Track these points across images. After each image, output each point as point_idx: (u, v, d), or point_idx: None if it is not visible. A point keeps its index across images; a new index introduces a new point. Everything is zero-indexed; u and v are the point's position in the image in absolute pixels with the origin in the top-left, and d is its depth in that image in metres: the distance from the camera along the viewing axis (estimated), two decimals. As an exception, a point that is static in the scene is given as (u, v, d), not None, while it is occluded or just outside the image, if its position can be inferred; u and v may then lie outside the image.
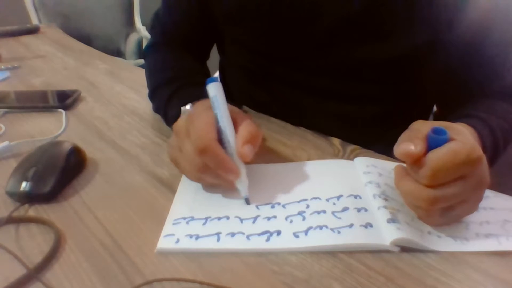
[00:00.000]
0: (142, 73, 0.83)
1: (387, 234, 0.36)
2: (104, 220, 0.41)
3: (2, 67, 0.90)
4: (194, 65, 0.67)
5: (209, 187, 0.45)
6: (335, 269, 0.34)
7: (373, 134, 0.61)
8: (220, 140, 0.41)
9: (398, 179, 0.37)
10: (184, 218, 0.40)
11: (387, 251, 0.36)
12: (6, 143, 0.54)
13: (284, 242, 0.37)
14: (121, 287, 0.33)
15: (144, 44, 2.20)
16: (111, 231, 0.39)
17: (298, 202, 0.42)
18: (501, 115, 0.50)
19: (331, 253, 0.36)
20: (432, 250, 0.36)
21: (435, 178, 0.33)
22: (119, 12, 2.21)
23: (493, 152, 0.48)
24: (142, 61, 2.14)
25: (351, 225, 0.38)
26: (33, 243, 0.38)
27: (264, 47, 0.63)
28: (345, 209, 0.40)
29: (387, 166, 0.47)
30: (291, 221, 0.39)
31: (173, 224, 0.40)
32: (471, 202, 0.36)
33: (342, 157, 0.52)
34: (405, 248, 0.36)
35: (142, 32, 2.20)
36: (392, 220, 0.37)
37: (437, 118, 0.69)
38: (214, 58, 0.78)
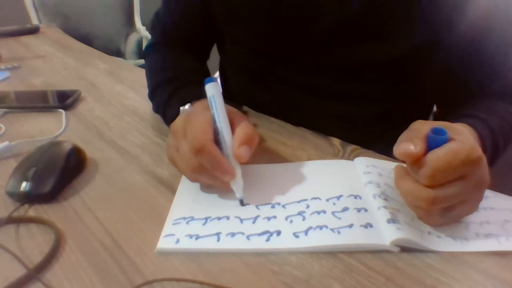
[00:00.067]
0: (142, 73, 0.83)
1: (387, 234, 0.36)
2: (104, 220, 0.41)
3: (2, 67, 0.90)
4: (194, 65, 0.67)
5: (208, 187, 0.45)
6: (335, 269, 0.34)
7: (373, 134, 0.61)
8: (217, 141, 0.41)
9: (398, 179, 0.37)
10: (184, 218, 0.40)
11: (387, 251, 0.36)
12: (6, 143, 0.54)
13: (284, 242, 0.37)
14: (121, 287, 0.33)
15: (144, 44, 2.20)
16: (111, 231, 0.39)
17: (298, 202, 0.42)
18: (501, 115, 0.50)
19: (331, 253, 0.36)
20: (432, 250, 0.36)
21: (435, 178, 0.33)
22: (119, 12, 2.21)
23: (493, 152, 0.48)
24: (142, 61, 2.14)
25: (351, 225, 0.38)
26: (33, 243, 0.38)
27: (264, 47, 0.63)
28: (345, 209, 0.40)
29: (387, 166, 0.47)
30: (291, 221, 0.39)
31: (173, 224, 0.40)
32: (471, 202, 0.36)
33: (342, 157, 0.52)
34: (405, 248, 0.36)
35: (142, 32, 2.20)
36: (392, 220, 0.37)
37: (437, 118, 0.69)
38: (214, 58, 0.78)
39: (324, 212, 0.40)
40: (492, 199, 0.42)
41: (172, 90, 0.57)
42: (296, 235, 0.37)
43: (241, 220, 0.40)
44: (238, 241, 0.37)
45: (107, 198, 0.45)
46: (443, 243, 0.36)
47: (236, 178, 0.41)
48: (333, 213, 0.40)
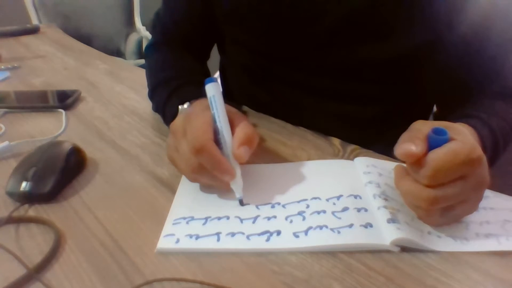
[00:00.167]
0: (142, 73, 0.83)
1: (387, 234, 0.36)
2: (104, 220, 0.41)
3: (2, 67, 0.90)
4: (194, 64, 0.67)
5: (208, 187, 0.45)
6: (335, 269, 0.34)
7: (373, 134, 0.61)
8: (217, 141, 0.41)
9: (398, 179, 0.37)
10: (184, 218, 0.40)
11: (387, 251, 0.36)
12: (6, 143, 0.54)
13: (284, 242, 0.37)
14: (121, 287, 0.33)
15: (144, 44, 2.21)
16: (111, 231, 0.39)
17: (298, 202, 0.42)
18: (501, 115, 0.50)
19: (331, 253, 0.36)
20: (432, 250, 0.36)
21: (436, 178, 0.33)
22: (119, 12, 2.21)
23: (493, 152, 0.48)
24: (142, 61, 2.14)
25: (351, 225, 0.38)
26: (33, 243, 0.38)
27: (264, 47, 0.63)
28: (345, 209, 0.40)
29: (387, 166, 0.47)
30: (291, 221, 0.39)
31: (173, 224, 0.40)
32: (471, 202, 0.36)
33: (342, 157, 0.52)
34: (405, 248, 0.36)
35: (142, 32, 2.20)
36: (392, 220, 0.37)
37: (437, 118, 0.69)
38: (214, 58, 0.78)
39: (324, 212, 0.40)
40: (492, 199, 0.42)
41: (171, 90, 0.57)
42: (296, 235, 0.37)
43: (241, 220, 0.40)
44: (238, 241, 0.37)
45: (107, 198, 0.45)
46: (443, 243, 0.36)
47: (236, 178, 0.41)
48: (333, 213, 0.40)
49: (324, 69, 0.59)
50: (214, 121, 0.42)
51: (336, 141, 0.55)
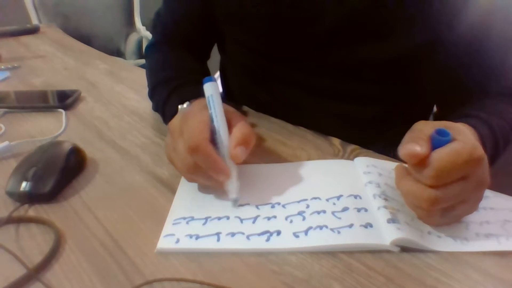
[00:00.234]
0: (142, 73, 0.83)
1: (387, 234, 0.36)
2: (104, 220, 0.41)
3: (2, 67, 0.90)
4: (194, 64, 0.67)
5: (207, 187, 0.44)
6: (335, 269, 0.34)
7: (373, 134, 0.61)
8: (213, 140, 0.41)
9: (399, 179, 0.37)
10: (184, 218, 0.40)
11: (387, 251, 0.36)
12: (6, 143, 0.54)
13: (284, 242, 0.37)
14: (121, 287, 0.33)
15: (144, 44, 2.21)
16: (111, 231, 0.39)
17: (298, 202, 0.42)
18: (501, 115, 0.50)
19: (331, 253, 0.36)
20: (432, 250, 0.36)
21: (439, 178, 0.33)
22: (119, 12, 2.21)
23: (493, 152, 0.48)
24: (142, 61, 2.14)
25: (351, 225, 0.38)
26: (33, 243, 0.38)
27: (264, 47, 0.63)
28: (345, 209, 0.40)
29: (387, 166, 0.47)
30: (291, 221, 0.39)
31: (173, 224, 0.40)
32: (471, 202, 0.36)
33: (342, 157, 0.52)
34: (405, 248, 0.36)
35: (142, 32, 2.19)
36: (392, 220, 0.37)
37: (437, 118, 0.69)
38: (214, 58, 0.78)
39: (324, 212, 0.40)
40: (492, 199, 0.42)
41: (171, 89, 0.57)
42: (296, 235, 0.37)
43: (241, 220, 0.40)
44: (238, 241, 0.37)
45: (107, 198, 0.45)
46: (443, 243, 0.36)
47: (231, 179, 0.41)
48: (333, 213, 0.40)
49: (324, 69, 0.59)
50: (212, 121, 0.42)
51: (336, 141, 0.55)
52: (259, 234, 0.38)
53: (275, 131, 0.59)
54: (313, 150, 0.53)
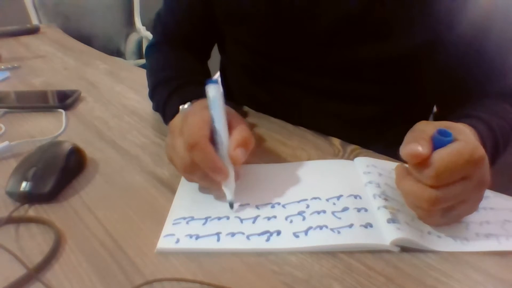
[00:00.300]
0: (142, 73, 0.83)
1: (387, 234, 0.36)
2: (104, 220, 0.41)
3: (2, 67, 0.90)
4: (194, 65, 0.67)
5: (206, 188, 0.44)
6: (335, 269, 0.34)
7: (373, 134, 0.61)
8: (213, 141, 0.41)
9: (399, 179, 0.37)
10: (184, 218, 0.40)
11: (387, 251, 0.36)
12: (6, 143, 0.54)
13: (284, 242, 0.37)
14: (121, 287, 0.33)
15: (144, 44, 2.21)
16: (111, 231, 0.39)
17: (298, 202, 0.42)
18: (501, 115, 0.50)
19: (331, 253, 0.36)
20: (432, 250, 0.36)
21: (440, 178, 0.33)
22: (119, 12, 2.21)
23: (493, 153, 0.48)
24: (142, 61, 2.14)
25: (351, 225, 0.38)
26: (33, 243, 0.38)
27: (264, 47, 0.63)
28: (345, 209, 0.40)
29: (387, 166, 0.47)
30: (291, 221, 0.39)
31: (173, 224, 0.40)
32: (471, 202, 0.36)
33: (342, 157, 0.52)
34: (405, 248, 0.36)
35: (142, 32, 2.19)
36: (392, 220, 0.37)
37: (437, 118, 0.69)
38: (215, 59, 0.78)
39: (324, 212, 0.40)
40: (492, 199, 0.42)
41: (172, 89, 0.57)
42: (296, 235, 0.37)
43: (241, 220, 0.40)
44: (238, 241, 0.37)
45: (107, 198, 0.45)
46: (443, 243, 0.36)
47: (228, 180, 0.41)
48: (333, 213, 0.40)
49: (324, 69, 0.59)
50: (212, 121, 0.42)
51: (336, 141, 0.55)
52: (259, 234, 0.38)
53: (275, 131, 0.59)
54: (313, 150, 0.53)
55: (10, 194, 0.44)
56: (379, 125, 0.64)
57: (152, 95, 0.64)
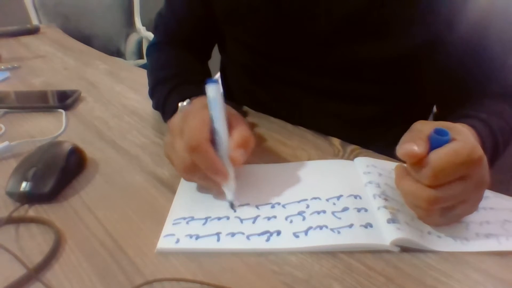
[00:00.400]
0: (142, 73, 0.83)
1: (387, 234, 0.36)
2: (104, 220, 0.41)
3: (2, 67, 0.90)
4: (195, 64, 0.67)
5: (205, 187, 0.44)
6: (335, 269, 0.34)
7: (373, 134, 0.61)
8: (213, 141, 0.41)
9: (398, 179, 0.37)
10: (184, 218, 0.40)
11: (387, 251, 0.36)
12: (6, 143, 0.54)
13: (284, 242, 0.37)
14: (121, 287, 0.33)
15: (144, 44, 2.21)
16: (111, 231, 0.39)
17: (298, 202, 0.42)
18: (501, 115, 0.50)
19: (331, 253, 0.36)
20: (432, 250, 0.36)
21: (437, 178, 0.33)
22: (119, 12, 2.21)
23: (493, 153, 0.48)
24: (142, 61, 2.14)
25: (351, 225, 0.38)
26: (33, 243, 0.38)
27: (264, 47, 0.63)
28: (345, 209, 0.40)
29: (387, 166, 0.47)
30: (291, 221, 0.39)
31: (173, 224, 0.40)
32: (471, 202, 0.36)
33: (342, 157, 0.52)
34: (405, 248, 0.36)
35: (142, 32, 2.19)
36: (392, 220, 0.37)
37: (437, 118, 0.69)
38: (215, 59, 0.78)
39: (324, 212, 0.40)
40: (492, 199, 0.42)
41: (172, 87, 0.57)
42: (296, 235, 0.37)
43: (241, 220, 0.40)
44: (238, 241, 0.37)
45: (107, 198, 0.45)
46: (443, 243, 0.36)
47: (229, 181, 0.41)
48: (333, 213, 0.40)
49: (324, 69, 0.59)
50: (212, 122, 0.42)
51: (336, 141, 0.55)
52: (259, 234, 0.38)
53: (275, 131, 0.59)
54: (313, 150, 0.53)
55: (10, 194, 0.44)
56: (379, 125, 0.64)
57: (152, 94, 0.64)
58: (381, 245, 0.36)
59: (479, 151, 0.34)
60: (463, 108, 0.53)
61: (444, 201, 0.34)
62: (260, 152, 0.52)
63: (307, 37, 0.57)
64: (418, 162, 0.34)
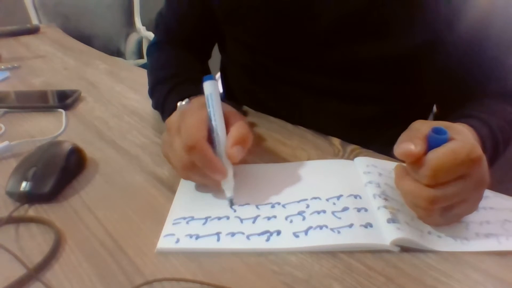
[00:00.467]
0: (142, 73, 0.83)
1: (387, 234, 0.36)
2: (104, 220, 0.41)
3: (2, 67, 0.90)
4: (195, 63, 0.67)
5: (206, 187, 0.44)
6: (335, 269, 0.34)
7: (373, 134, 0.61)
8: (211, 139, 0.41)
9: (398, 178, 0.37)
10: (184, 218, 0.40)
11: (387, 251, 0.36)
12: (6, 143, 0.54)
13: (284, 242, 0.37)
14: (121, 287, 0.33)
15: (144, 44, 2.21)
16: (111, 231, 0.39)
17: (298, 202, 0.42)
18: (501, 115, 0.50)
19: (331, 253, 0.36)
20: (432, 250, 0.36)
21: (435, 177, 0.33)
22: (119, 12, 2.21)
23: (493, 153, 0.48)
24: (142, 61, 2.14)
25: (351, 225, 0.38)
26: (33, 243, 0.38)
27: (264, 47, 0.63)
28: (345, 209, 0.40)
29: (387, 166, 0.47)
30: (291, 221, 0.39)
31: (173, 224, 0.40)
32: (471, 201, 0.36)
33: (342, 157, 0.52)
34: (405, 248, 0.36)
35: (142, 32, 2.19)
36: (392, 220, 0.37)
37: (437, 118, 0.69)
38: (216, 59, 0.78)
39: (324, 212, 0.40)
40: (492, 199, 0.42)
41: (171, 86, 0.57)
42: (296, 235, 0.37)
43: (241, 220, 0.40)
44: (238, 241, 0.37)
45: (107, 198, 0.45)
46: (443, 243, 0.36)
47: (227, 178, 0.41)
48: (333, 213, 0.40)
49: (324, 69, 0.59)
50: (210, 119, 0.42)
51: (336, 141, 0.55)
52: (259, 234, 0.38)
53: (275, 130, 0.59)
54: (313, 150, 0.53)
55: (10, 194, 0.44)
56: (379, 125, 0.64)
57: (152, 93, 0.64)
58: (381, 245, 0.36)
59: (478, 151, 0.34)
60: (463, 108, 0.53)
61: (443, 200, 0.34)
62: (260, 152, 0.52)
63: (307, 37, 0.57)
64: (417, 162, 0.34)
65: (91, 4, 2.12)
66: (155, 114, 0.64)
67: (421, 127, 0.36)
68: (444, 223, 0.38)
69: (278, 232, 0.38)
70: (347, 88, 0.60)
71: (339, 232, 0.37)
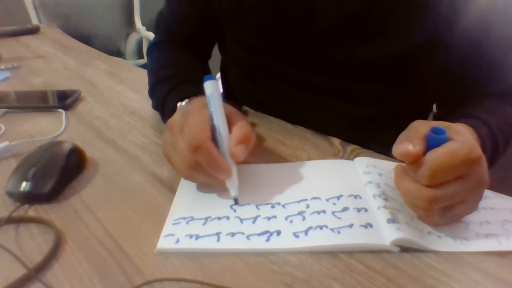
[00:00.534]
0: (142, 73, 0.83)
1: (387, 234, 0.36)
2: (104, 220, 0.41)
3: (2, 67, 0.90)
4: (195, 63, 0.67)
5: (207, 187, 0.44)
6: (335, 269, 0.34)
7: (373, 134, 0.61)
8: (213, 139, 0.41)
9: (398, 179, 0.37)
10: (184, 218, 0.40)
11: (387, 251, 0.36)
12: (6, 143, 0.54)
13: (284, 242, 0.37)
14: (121, 287, 0.33)
15: (144, 44, 2.21)
16: (111, 231, 0.39)
17: (298, 202, 0.42)
18: (501, 115, 0.50)
19: (331, 253, 0.36)
20: (432, 250, 0.36)
21: (434, 178, 0.33)
22: (119, 12, 2.21)
23: (492, 153, 0.48)
24: (142, 61, 2.14)
25: (351, 225, 0.38)
26: (33, 243, 0.38)
27: (264, 46, 0.63)
28: (345, 209, 0.40)
29: (387, 166, 0.47)
30: (291, 221, 0.39)
31: (173, 224, 0.40)
32: (470, 201, 0.36)
33: (342, 157, 0.52)
34: (405, 248, 0.36)
35: (142, 32, 2.19)
36: (392, 220, 0.37)
37: (437, 118, 0.69)
38: (216, 58, 0.78)
39: (324, 212, 0.40)
40: (492, 199, 0.42)
41: (171, 87, 0.57)
42: (296, 235, 0.37)
43: (241, 220, 0.40)
44: (238, 241, 0.37)
45: (107, 198, 0.45)
46: (443, 243, 0.36)
47: (232, 177, 0.41)
48: (333, 213, 0.40)
49: (324, 68, 0.59)
50: (212, 119, 0.42)
51: (336, 141, 0.55)
52: (259, 234, 0.38)
53: (275, 130, 0.59)
54: (313, 150, 0.53)
55: (10, 194, 0.44)
56: (379, 125, 0.64)
57: (151, 93, 0.64)
58: (381, 245, 0.36)
59: (478, 151, 0.34)
60: (463, 108, 0.53)
61: (443, 200, 0.34)
62: (260, 152, 0.52)
63: (307, 36, 0.57)
64: (416, 162, 0.34)
65: (91, 4, 2.12)
66: (155, 114, 0.64)
67: (420, 127, 0.36)
68: (444, 223, 0.38)
69: (278, 232, 0.38)
70: (347, 88, 0.60)
71: (339, 232, 0.37)
